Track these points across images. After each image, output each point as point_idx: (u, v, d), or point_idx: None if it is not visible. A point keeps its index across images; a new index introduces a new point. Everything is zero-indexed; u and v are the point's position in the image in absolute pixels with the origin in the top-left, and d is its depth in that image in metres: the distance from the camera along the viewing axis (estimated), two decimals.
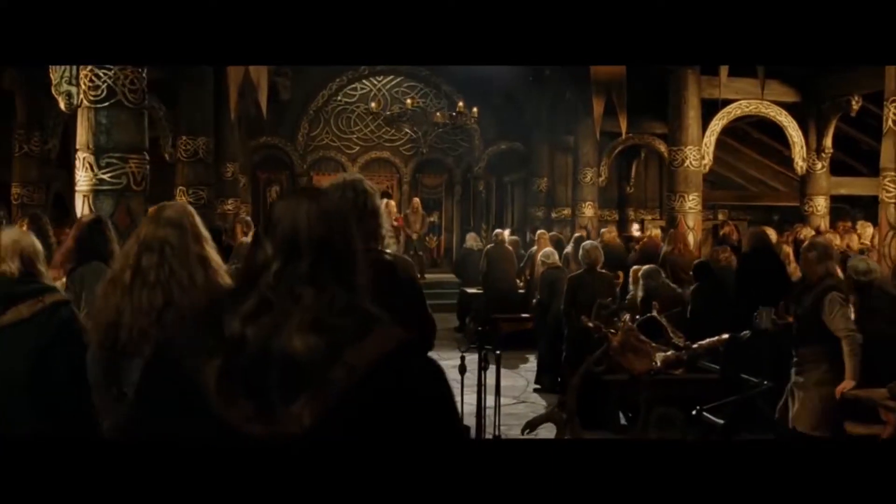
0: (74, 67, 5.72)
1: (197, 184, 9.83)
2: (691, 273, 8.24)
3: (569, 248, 11.44)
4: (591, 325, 6.07)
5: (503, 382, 9.47)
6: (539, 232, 12.53)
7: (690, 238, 10.85)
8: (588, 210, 14.73)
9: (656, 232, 11.11)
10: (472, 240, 14.52)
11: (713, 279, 7.74)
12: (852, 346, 4.83)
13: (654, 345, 5.32)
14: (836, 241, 8.83)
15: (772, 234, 10.62)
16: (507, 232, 15.40)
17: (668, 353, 5.18)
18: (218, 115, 12.57)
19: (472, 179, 19.59)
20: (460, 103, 15.28)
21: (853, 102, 10.78)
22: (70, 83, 5.75)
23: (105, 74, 5.60)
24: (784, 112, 11.36)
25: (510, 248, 12.32)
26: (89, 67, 5.61)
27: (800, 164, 11.47)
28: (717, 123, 11.26)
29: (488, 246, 12.48)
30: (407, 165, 19.59)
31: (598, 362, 5.69)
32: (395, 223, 16.54)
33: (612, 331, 5.73)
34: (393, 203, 17.44)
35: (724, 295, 7.55)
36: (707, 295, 7.53)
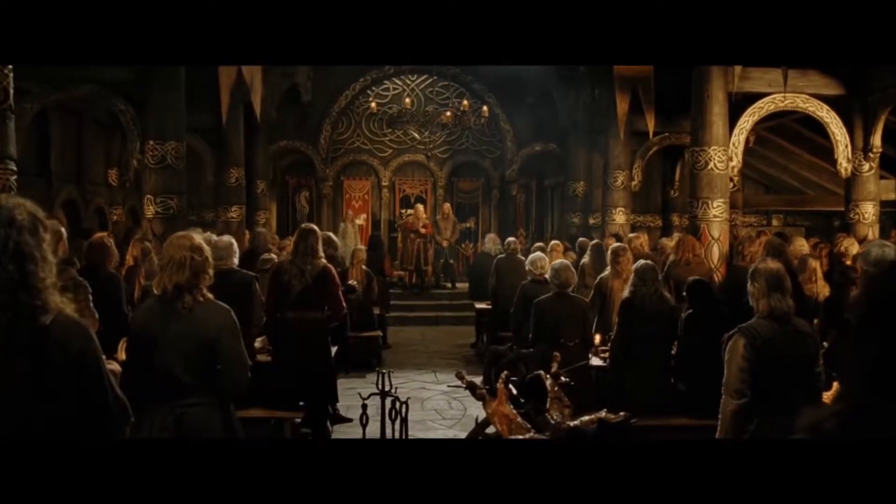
0: None
1: (165, 192, 9.10)
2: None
3: (585, 259, 10.33)
4: (463, 383, 4.97)
5: None
6: (553, 243, 11.44)
7: (716, 250, 9.63)
8: (619, 216, 13.53)
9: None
10: (491, 242, 13.32)
11: (710, 305, 6.10)
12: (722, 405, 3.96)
13: (518, 420, 4.21)
14: None
15: (801, 244, 9.32)
16: (541, 240, 14.37)
17: (526, 436, 4.04)
18: (220, 118, 11.93)
19: (506, 183, 18.57)
20: (465, 101, 14.20)
21: None
22: None
23: None
24: (825, 107, 9.95)
25: (522, 258, 11.24)
26: None
27: (844, 165, 10.02)
28: (747, 120, 9.95)
29: (498, 257, 11.40)
30: (442, 169, 18.70)
31: (485, 426, 4.65)
32: (424, 230, 15.69)
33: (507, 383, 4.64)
34: (422, 208, 16.61)
35: (722, 327, 6.19)
36: (700, 328, 5.89)
